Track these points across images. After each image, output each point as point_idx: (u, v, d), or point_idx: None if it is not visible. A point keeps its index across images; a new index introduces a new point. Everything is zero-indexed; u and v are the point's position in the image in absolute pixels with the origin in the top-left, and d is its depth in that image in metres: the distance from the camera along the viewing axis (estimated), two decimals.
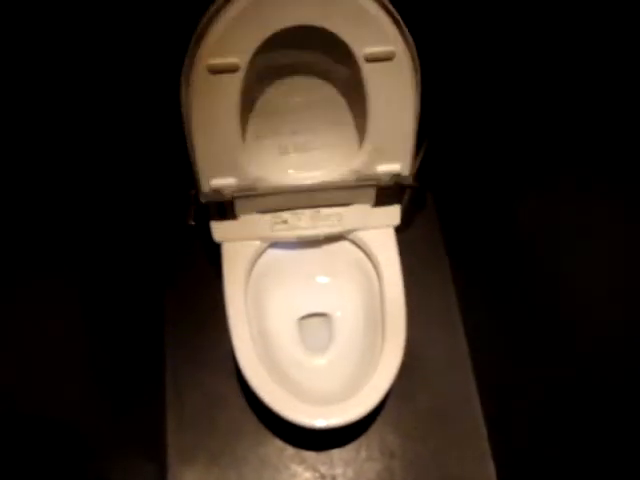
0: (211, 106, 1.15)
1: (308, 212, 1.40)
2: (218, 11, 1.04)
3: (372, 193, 1.37)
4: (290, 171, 1.37)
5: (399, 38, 1.11)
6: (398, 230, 1.44)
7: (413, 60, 1.15)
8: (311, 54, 1.20)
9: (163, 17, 1.37)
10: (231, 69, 1.09)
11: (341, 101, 1.30)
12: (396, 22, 1.09)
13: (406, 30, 1.11)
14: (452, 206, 1.73)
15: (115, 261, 1.34)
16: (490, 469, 1.50)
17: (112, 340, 1.27)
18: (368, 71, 1.14)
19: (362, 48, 1.11)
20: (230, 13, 1.03)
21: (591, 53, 0.91)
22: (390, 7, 1.08)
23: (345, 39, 1.09)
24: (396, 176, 1.33)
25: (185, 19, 1.12)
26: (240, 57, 1.08)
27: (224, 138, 1.21)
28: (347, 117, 1.32)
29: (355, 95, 1.23)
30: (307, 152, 1.36)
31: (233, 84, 1.12)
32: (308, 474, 1.48)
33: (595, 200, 0.95)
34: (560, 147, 1.04)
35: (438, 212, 1.82)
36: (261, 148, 1.34)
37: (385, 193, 1.38)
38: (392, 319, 1.33)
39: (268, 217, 1.40)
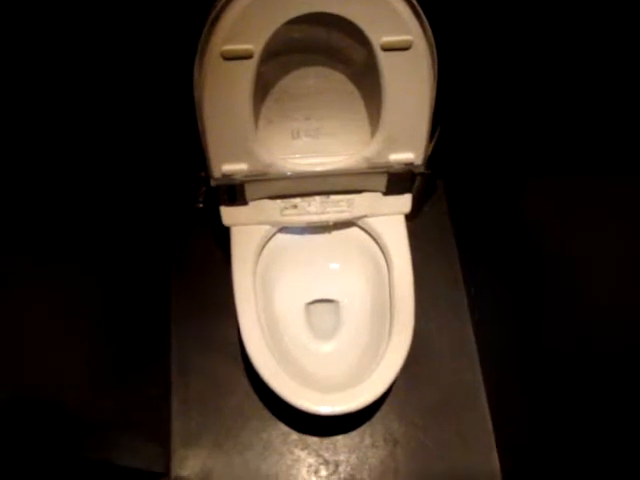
0: (224, 92, 1.13)
1: (318, 198, 1.39)
2: None
3: (383, 180, 1.36)
4: (301, 156, 1.36)
5: (417, 27, 1.08)
6: (408, 218, 1.43)
7: (430, 50, 1.13)
8: (327, 41, 1.18)
9: (178, 2, 1.34)
10: (245, 55, 1.07)
11: (355, 88, 1.28)
12: (414, 11, 1.07)
13: (425, 19, 1.08)
14: (462, 193, 1.72)
15: (123, 244, 1.33)
16: (494, 459, 1.51)
17: (118, 323, 1.27)
18: (384, 60, 1.12)
19: (379, 37, 1.08)
20: None
21: (603, 41, 0.89)
22: None
23: (362, 27, 1.07)
24: (409, 164, 1.32)
25: (199, 4, 1.10)
26: (254, 43, 1.06)
27: (236, 124, 1.19)
28: (361, 104, 1.30)
29: (370, 83, 1.21)
30: (319, 138, 1.35)
31: (246, 70, 1.10)
32: (311, 459, 1.49)
33: (606, 187, 0.94)
34: (571, 135, 1.03)
35: (448, 199, 1.81)
36: (273, 133, 1.33)
37: (396, 180, 1.36)
38: (400, 307, 1.32)
39: (278, 202, 1.39)
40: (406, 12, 1.06)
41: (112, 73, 1.29)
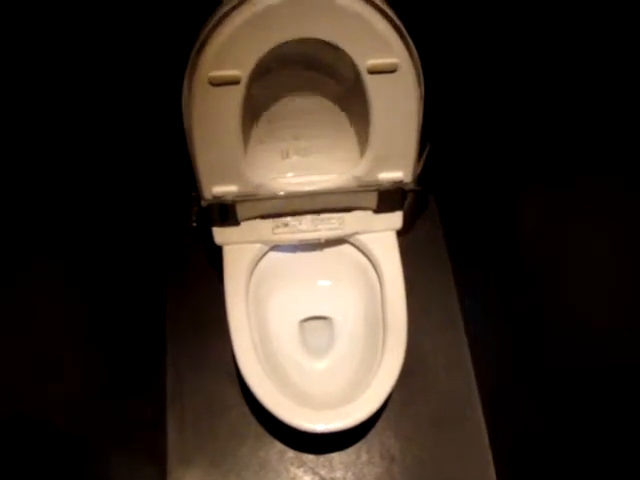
0: (212, 116, 1.14)
1: (309, 216, 1.40)
2: (219, 23, 1.02)
3: (374, 197, 1.37)
4: (292, 176, 1.37)
5: (402, 49, 1.09)
6: (400, 233, 1.43)
7: (417, 72, 1.13)
8: (313, 64, 1.19)
9: (166, 27, 1.35)
10: (232, 81, 1.08)
11: (344, 108, 1.29)
12: (399, 33, 1.08)
13: (410, 41, 1.09)
14: (454, 209, 1.73)
15: (117, 263, 1.34)
16: (491, 474, 1.50)
17: (114, 343, 1.27)
18: (371, 83, 1.12)
19: (365, 60, 1.09)
20: (231, 25, 1.02)
21: (584, 62, 0.90)
22: (394, 18, 1.06)
23: (348, 51, 1.08)
24: (398, 182, 1.33)
25: (187, 30, 1.10)
26: (241, 69, 1.07)
27: (225, 147, 1.20)
28: (350, 124, 1.31)
29: (358, 103, 1.21)
30: (309, 157, 1.36)
31: (234, 95, 1.11)
32: (308, 477, 1.49)
33: (600, 196, 0.94)
34: (561, 144, 1.03)
35: (440, 215, 1.81)
36: (263, 153, 1.33)
37: (387, 198, 1.37)
38: (393, 323, 1.33)
39: (269, 221, 1.39)
40: (391, 35, 1.07)
41: (108, 93, 1.29)
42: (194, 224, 1.44)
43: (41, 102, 0.97)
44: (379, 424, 1.55)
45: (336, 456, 1.52)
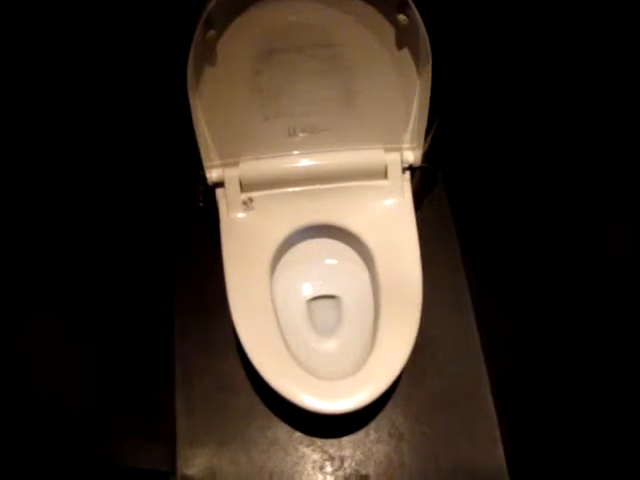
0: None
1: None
2: None
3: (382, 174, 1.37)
4: (298, 153, 1.36)
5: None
6: None
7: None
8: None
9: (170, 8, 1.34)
10: None
11: (352, 84, 1.27)
12: None
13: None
14: (462, 185, 1.71)
15: (125, 245, 1.34)
16: (499, 452, 1.51)
17: (123, 325, 1.27)
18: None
19: None
20: None
21: (609, 32, 0.89)
22: None
23: None
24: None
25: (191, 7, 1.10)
26: None
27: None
28: (357, 100, 1.30)
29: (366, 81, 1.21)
30: (316, 134, 1.34)
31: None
32: (317, 456, 1.49)
33: (610, 180, 0.93)
34: (573, 123, 1.02)
35: (448, 192, 1.80)
36: (269, 130, 1.32)
37: None
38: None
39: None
40: None
41: (113, 76, 1.29)
42: (201, 204, 1.43)
43: (41, 95, 0.97)
44: (388, 402, 1.55)
45: (345, 435, 1.52)
